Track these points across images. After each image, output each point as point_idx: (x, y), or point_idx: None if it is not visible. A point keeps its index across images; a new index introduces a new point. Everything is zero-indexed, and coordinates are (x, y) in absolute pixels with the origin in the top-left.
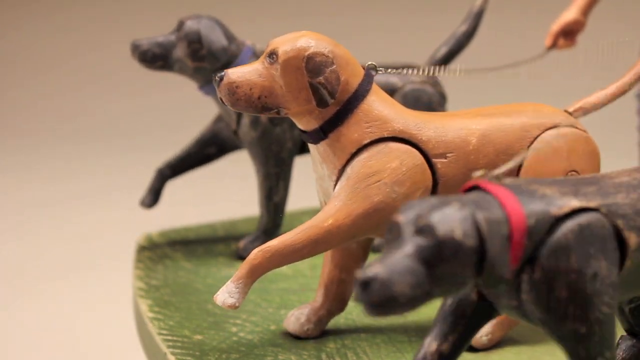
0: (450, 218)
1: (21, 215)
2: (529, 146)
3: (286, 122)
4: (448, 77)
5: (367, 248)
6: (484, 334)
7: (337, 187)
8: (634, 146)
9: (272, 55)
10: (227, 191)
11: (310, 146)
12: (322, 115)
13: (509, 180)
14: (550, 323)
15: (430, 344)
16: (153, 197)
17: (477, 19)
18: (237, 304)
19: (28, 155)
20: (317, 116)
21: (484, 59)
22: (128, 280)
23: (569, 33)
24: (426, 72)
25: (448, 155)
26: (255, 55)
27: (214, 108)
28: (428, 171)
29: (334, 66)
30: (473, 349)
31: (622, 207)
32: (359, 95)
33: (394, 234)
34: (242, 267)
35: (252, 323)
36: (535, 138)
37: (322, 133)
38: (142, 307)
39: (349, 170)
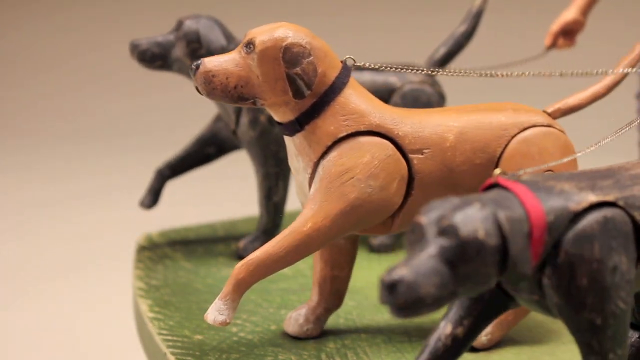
0: (473, 218)
1: (21, 215)
2: (506, 145)
3: None
4: (447, 77)
5: (355, 242)
6: (483, 334)
7: (311, 189)
8: (634, 146)
9: (249, 45)
10: (227, 191)
11: (286, 139)
12: (299, 107)
13: (526, 177)
14: (568, 311)
15: (445, 326)
16: (153, 197)
17: (476, 19)
18: (227, 320)
19: (28, 155)
20: (294, 108)
21: (483, 59)
22: (128, 280)
23: (569, 33)
24: (414, 71)
25: (425, 151)
26: None
27: (214, 108)
28: (402, 160)
29: (311, 57)
30: (473, 349)
31: (639, 199)
32: (336, 87)
33: (417, 235)
34: (228, 284)
35: (253, 323)
36: (513, 137)
37: (298, 125)
38: (142, 307)
39: (320, 171)
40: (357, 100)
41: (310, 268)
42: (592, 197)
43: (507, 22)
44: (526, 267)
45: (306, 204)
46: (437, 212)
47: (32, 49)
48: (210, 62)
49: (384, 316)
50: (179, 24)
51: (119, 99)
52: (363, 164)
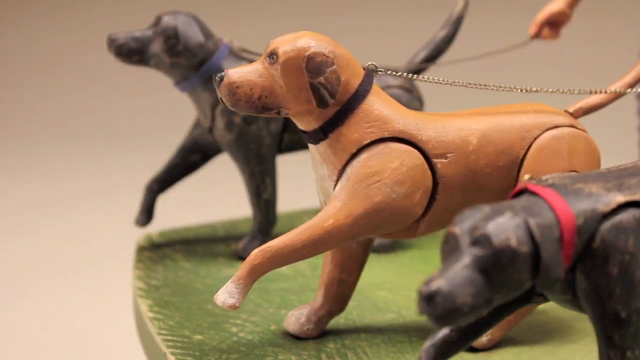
0: (505, 227)
1: (21, 215)
2: (529, 146)
3: (261, 119)
4: (430, 80)
5: (367, 248)
6: (484, 334)
7: (337, 187)
8: (634, 146)
9: (272, 55)
10: (227, 191)
11: (311, 146)
12: (323, 116)
13: (555, 180)
14: (595, 298)
15: None
16: (146, 215)
17: (456, 24)
18: (237, 304)
19: (28, 155)
20: (318, 116)
21: (465, 63)
22: (128, 280)
23: (554, 24)
24: (425, 77)
25: (448, 155)
26: (232, 53)
27: None
28: (428, 171)
29: (334, 66)
30: (473, 349)
31: None
32: (359, 95)
33: (451, 245)
34: (242, 268)
35: (253, 323)
36: (536, 138)
37: (323, 133)
38: (142, 307)
39: (349, 170)
40: (380, 107)
41: (310, 268)
42: (620, 198)
43: (488, 26)
44: (558, 270)
45: (330, 201)
46: (470, 222)
47: (32, 49)
48: (234, 74)
49: (384, 316)
50: (158, 20)
51: (119, 99)
52: (391, 169)
